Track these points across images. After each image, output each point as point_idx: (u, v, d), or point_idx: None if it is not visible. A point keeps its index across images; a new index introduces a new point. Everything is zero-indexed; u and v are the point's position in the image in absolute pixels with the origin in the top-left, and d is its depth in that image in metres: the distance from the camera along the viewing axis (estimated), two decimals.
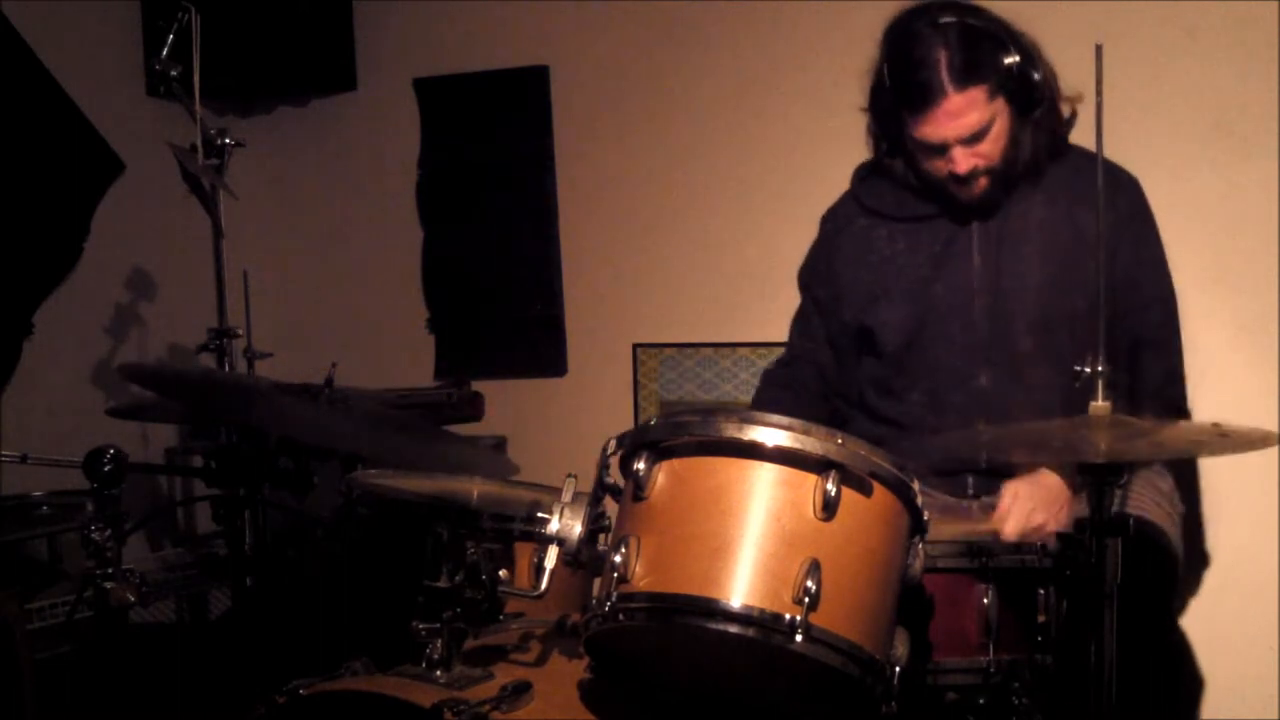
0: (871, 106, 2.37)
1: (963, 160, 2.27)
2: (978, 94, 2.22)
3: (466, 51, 3.80)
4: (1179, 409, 2.40)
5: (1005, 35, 2.25)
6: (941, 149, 2.27)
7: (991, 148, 2.28)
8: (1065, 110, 2.35)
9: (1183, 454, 1.70)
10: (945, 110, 2.22)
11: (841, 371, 2.57)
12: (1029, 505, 2.13)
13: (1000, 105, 2.25)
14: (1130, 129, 2.87)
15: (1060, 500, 2.17)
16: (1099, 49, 1.62)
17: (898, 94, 2.27)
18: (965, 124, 2.23)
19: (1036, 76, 2.26)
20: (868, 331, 2.46)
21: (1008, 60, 2.23)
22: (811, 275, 2.60)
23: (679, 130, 3.55)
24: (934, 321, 2.39)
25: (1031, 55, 2.27)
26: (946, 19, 2.22)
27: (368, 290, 4.00)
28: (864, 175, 2.53)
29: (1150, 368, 2.37)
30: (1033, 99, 2.27)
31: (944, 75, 2.20)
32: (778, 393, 2.60)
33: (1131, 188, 2.40)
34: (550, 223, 3.74)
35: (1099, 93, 1.66)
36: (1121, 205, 2.32)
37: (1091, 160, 2.32)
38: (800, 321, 2.64)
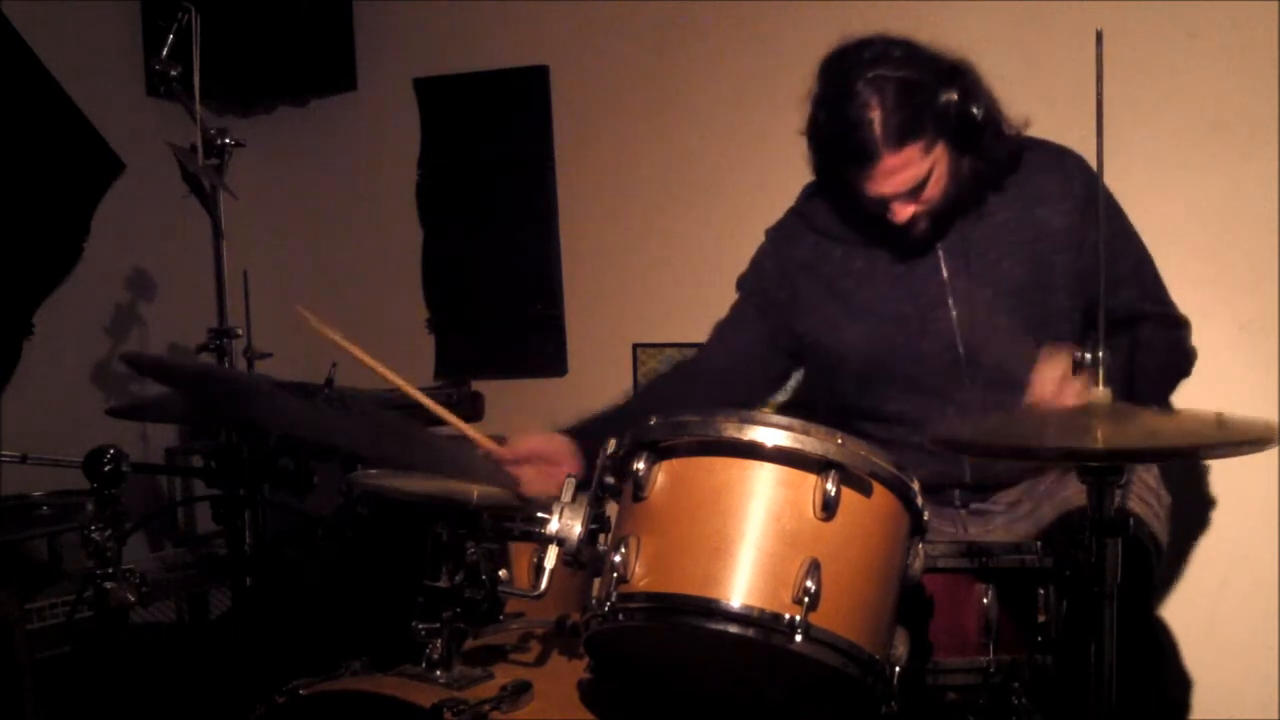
0: (809, 139, 2.29)
1: (902, 211, 2.22)
2: (913, 151, 2.14)
3: (466, 51, 3.80)
4: (1187, 354, 2.35)
5: (939, 75, 2.17)
6: (881, 201, 2.22)
7: (932, 191, 2.21)
8: (1010, 132, 2.27)
9: (1181, 449, 1.68)
10: (882, 170, 2.15)
11: (763, 384, 2.51)
12: (1057, 369, 1.98)
13: (939, 151, 2.18)
14: (1130, 129, 2.88)
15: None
16: (1099, 34, 1.60)
17: (835, 149, 2.21)
18: (903, 180, 2.17)
19: (975, 111, 2.18)
20: (824, 350, 2.39)
21: (944, 100, 2.15)
22: (760, 278, 2.48)
23: (679, 130, 3.55)
24: (904, 342, 2.31)
25: (969, 89, 2.19)
26: (879, 71, 2.14)
27: (368, 290, 4.00)
28: (810, 194, 2.45)
29: (1151, 326, 2.32)
30: (972, 134, 2.20)
31: (878, 137, 2.12)
32: (681, 385, 2.50)
33: (1081, 169, 2.32)
34: (550, 223, 3.75)
35: (1099, 80, 1.64)
36: (1078, 189, 2.27)
37: (1045, 155, 2.32)
38: (728, 328, 2.51)
